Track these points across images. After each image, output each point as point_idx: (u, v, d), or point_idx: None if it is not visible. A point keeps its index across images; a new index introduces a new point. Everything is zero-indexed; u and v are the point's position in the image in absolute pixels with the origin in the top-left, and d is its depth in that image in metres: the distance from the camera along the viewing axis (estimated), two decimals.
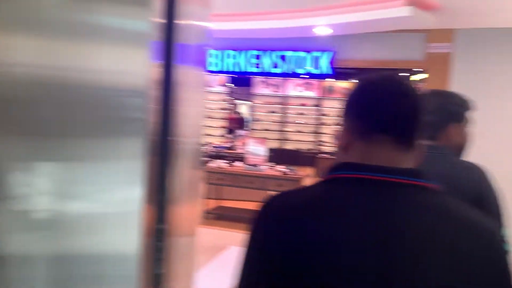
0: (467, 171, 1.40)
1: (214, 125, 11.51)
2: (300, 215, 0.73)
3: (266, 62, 5.58)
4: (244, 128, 10.65)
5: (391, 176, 0.74)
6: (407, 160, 0.77)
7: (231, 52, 5.72)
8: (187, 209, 0.97)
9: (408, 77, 10.70)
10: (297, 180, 5.18)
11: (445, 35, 4.41)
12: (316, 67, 5.31)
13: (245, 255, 0.78)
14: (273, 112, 11.77)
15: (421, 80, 7.38)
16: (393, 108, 0.77)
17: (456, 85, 4.42)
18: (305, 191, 0.81)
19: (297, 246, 0.70)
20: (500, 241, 0.73)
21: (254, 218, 0.79)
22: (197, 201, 1.03)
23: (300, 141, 11.59)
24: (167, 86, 0.79)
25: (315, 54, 5.26)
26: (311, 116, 11.71)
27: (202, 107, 1.42)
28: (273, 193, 0.83)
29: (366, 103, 0.79)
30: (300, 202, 0.76)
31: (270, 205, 0.78)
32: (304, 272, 0.68)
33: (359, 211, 0.71)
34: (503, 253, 0.73)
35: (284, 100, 11.59)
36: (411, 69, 9.20)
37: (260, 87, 11.67)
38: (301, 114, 11.77)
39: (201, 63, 0.97)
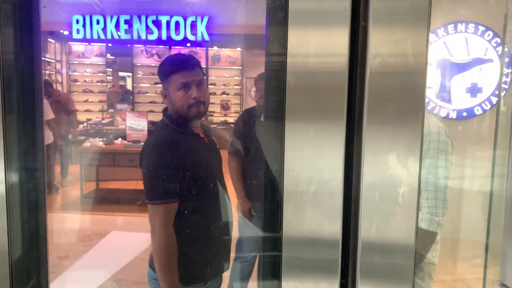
0: None
1: (92, 100, 10.63)
2: None
3: (140, 29, 5.06)
4: (126, 102, 10.00)
5: None
6: None
7: (98, 17, 5.07)
8: None
9: None
10: None
11: None
12: (194, 34, 4.95)
13: None
14: (158, 83, 11.19)
15: None
16: None
17: None
18: None
19: None
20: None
21: None
22: None
23: None
24: None
25: (192, 19, 4.88)
26: None
27: None
28: None
29: None
30: None
31: None
32: None
33: None
34: None
35: None
36: None
37: (143, 57, 11.00)
38: None
39: None
